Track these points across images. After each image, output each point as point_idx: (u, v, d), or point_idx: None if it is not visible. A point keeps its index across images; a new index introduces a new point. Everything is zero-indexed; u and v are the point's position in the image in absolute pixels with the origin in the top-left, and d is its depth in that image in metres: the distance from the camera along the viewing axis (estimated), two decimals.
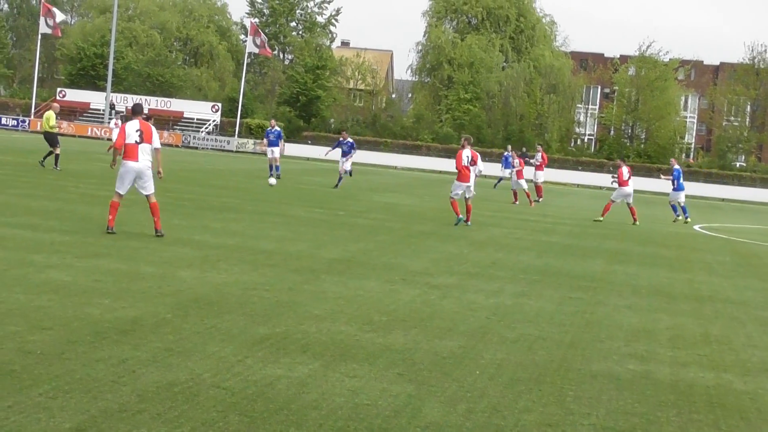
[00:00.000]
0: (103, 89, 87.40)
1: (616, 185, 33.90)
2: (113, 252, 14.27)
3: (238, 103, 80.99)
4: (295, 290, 12.38)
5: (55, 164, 32.91)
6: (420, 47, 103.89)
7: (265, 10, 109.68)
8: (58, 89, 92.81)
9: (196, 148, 77.62)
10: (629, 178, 32.34)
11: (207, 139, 79.61)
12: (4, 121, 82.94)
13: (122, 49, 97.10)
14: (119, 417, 6.61)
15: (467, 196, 25.10)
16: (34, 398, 6.82)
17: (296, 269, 14.29)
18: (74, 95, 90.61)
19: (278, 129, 42.31)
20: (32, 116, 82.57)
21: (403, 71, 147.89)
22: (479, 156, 26.34)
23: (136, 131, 16.69)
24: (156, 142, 17.08)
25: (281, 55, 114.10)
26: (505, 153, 50.46)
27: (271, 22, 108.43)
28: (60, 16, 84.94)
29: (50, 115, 34.32)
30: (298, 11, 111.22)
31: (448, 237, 21.73)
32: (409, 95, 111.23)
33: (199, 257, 14.57)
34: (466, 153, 25.20)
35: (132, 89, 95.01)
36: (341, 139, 39.07)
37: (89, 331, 8.97)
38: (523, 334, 10.80)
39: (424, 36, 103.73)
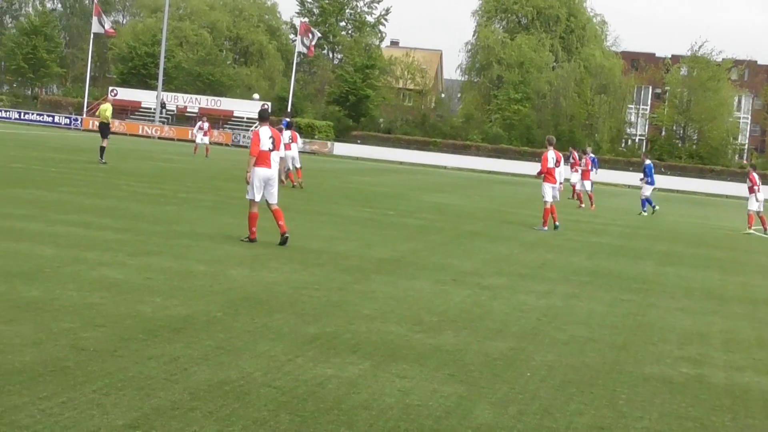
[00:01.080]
0: (153, 88, 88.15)
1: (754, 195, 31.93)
2: (165, 250, 14.34)
3: (287, 102, 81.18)
4: (345, 290, 12.38)
5: (101, 156, 33.77)
6: (469, 47, 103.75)
7: (314, 10, 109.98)
8: (110, 88, 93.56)
9: (246, 146, 77.80)
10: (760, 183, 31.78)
11: None
12: (57, 119, 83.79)
13: (173, 48, 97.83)
14: (171, 414, 6.63)
15: (554, 197, 24.86)
16: (88, 395, 6.86)
17: (346, 269, 14.29)
18: (126, 94, 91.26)
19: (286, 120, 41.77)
20: (84, 115, 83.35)
21: (452, 71, 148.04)
22: (563, 158, 26.01)
23: (269, 138, 16.39)
24: (282, 150, 16.96)
25: (330, 55, 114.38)
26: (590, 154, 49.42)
27: (321, 22, 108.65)
28: (107, 24, 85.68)
29: (108, 106, 35.39)
30: (347, 11, 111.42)
31: (499, 237, 21.66)
32: (459, 95, 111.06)
33: (249, 256, 14.61)
34: (551, 155, 24.83)
35: (182, 88, 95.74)
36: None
37: (141, 329, 9.02)
38: (574, 336, 10.73)
39: (473, 35, 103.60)
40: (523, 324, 11.17)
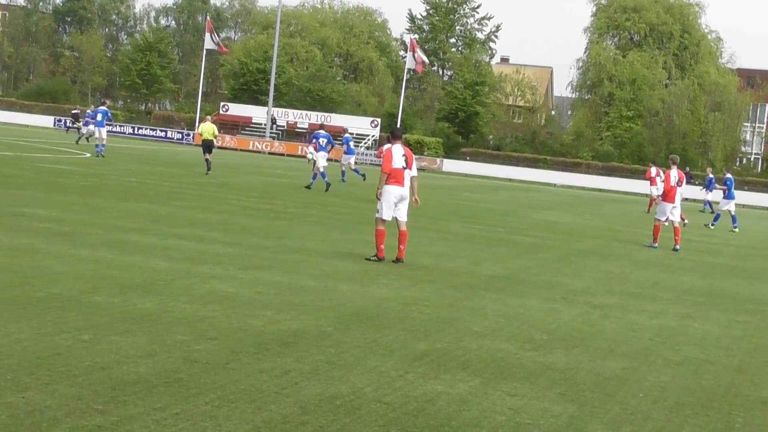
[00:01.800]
0: (264, 104, 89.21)
1: None
2: (275, 264, 14.46)
3: (397, 118, 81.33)
4: (455, 306, 12.33)
5: (208, 168, 35.19)
6: (580, 64, 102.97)
7: (425, 27, 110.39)
8: (221, 103, 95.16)
9: (356, 162, 78.16)
10: None
11: (366, 154, 79.65)
12: (169, 134, 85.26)
13: (283, 64, 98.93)
14: (282, 428, 6.64)
15: (672, 219, 24.53)
16: (201, 407, 6.92)
17: (455, 285, 14.24)
18: (236, 109, 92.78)
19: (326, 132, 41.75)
20: (196, 130, 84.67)
21: (562, 88, 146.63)
22: (685, 178, 25.73)
23: (402, 156, 16.35)
24: (414, 169, 16.83)
25: (440, 71, 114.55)
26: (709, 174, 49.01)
27: (431, 38, 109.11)
28: (219, 40, 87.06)
29: (208, 125, 36.67)
30: (457, 27, 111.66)
31: (609, 256, 21.41)
32: (569, 112, 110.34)
33: (359, 271, 14.65)
34: (674, 173, 24.53)
35: (293, 104, 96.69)
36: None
37: (252, 342, 9.08)
38: (688, 357, 10.52)
39: (584, 52, 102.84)
40: (635, 344, 11.00)
